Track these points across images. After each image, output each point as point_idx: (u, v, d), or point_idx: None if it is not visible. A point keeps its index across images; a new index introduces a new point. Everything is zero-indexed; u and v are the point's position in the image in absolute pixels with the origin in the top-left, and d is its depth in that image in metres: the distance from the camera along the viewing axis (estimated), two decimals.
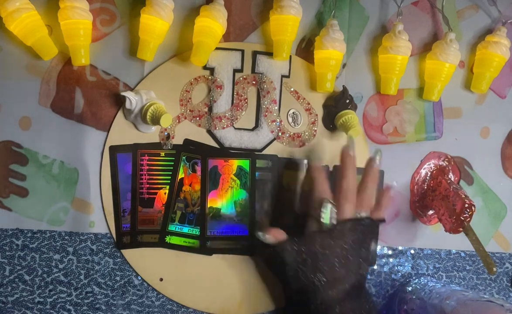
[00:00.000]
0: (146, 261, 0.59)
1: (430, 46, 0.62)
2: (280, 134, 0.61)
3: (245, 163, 0.60)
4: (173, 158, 0.60)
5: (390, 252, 0.63)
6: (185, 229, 0.60)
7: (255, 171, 0.60)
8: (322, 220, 0.53)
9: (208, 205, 0.60)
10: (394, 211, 0.63)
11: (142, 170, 0.59)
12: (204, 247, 0.60)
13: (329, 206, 0.53)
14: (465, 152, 0.64)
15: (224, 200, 0.60)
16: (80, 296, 0.59)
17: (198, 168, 0.60)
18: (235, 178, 0.60)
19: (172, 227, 0.60)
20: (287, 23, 0.57)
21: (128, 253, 0.59)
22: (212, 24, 0.56)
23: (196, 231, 0.60)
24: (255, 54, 0.61)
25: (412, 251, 0.64)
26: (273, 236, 0.54)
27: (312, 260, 0.52)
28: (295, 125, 0.61)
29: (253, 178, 0.60)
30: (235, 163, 0.60)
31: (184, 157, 0.60)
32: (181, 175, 0.60)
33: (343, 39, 0.58)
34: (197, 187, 0.60)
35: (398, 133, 0.63)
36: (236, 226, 0.60)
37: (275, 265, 0.56)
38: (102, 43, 0.59)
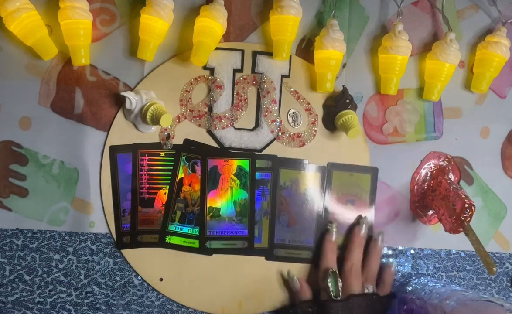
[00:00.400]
0: (146, 261, 0.59)
1: (430, 46, 0.62)
2: (280, 134, 0.61)
3: (245, 163, 0.60)
4: (173, 158, 0.60)
5: (390, 252, 0.63)
6: (185, 229, 0.60)
7: (255, 171, 0.60)
8: (329, 289, 0.56)
9: (208, 205, 0.60)
10: (394, 211, 0.63)
11: (142, 170, 0.59)
12: (203, 247, 0.60)
13: (333, 275, 0.56)
14: (465, 152, 0.64)
15: (224, 200, 0.60)
16: (80, 296, 0.59)
17: (198, 168, 0.60)
18: (234, 178, 0.60)
19: (172, 227, 0.60)
20: (287, 23, 0.57)
21: (128, 253, 0.59)
22: (212, 24, 0.56)
23: (196, 231, 0.60)
24: (255, 54, 0.61)
25: (412, 251, 0.64)
26: (301, 285, 0.59)
27: None
28: (295, 125, 0.61)
29: (253, 178, 0.60)
30: (235, 163, 0.60)
31: (184, 157, 0.60)
32: (180, 175, 0.60)
33: (343, 39, 0.58)
34: (197, 187, 0.60)
35: (398, 133, 0.63)
36: (235, 226, 0.60)
37: None
38: (102, 43, 0.59)
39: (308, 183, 0.61)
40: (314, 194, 0.61)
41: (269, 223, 0.61)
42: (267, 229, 0.61)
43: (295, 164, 0.61)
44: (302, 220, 0.61)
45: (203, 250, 0.60)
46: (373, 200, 0.63)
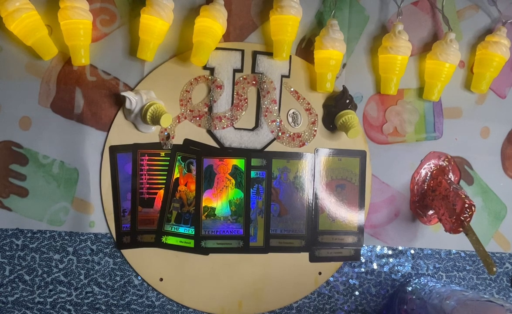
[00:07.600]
0: (146, 261, 0.59)
1: (430, 46, 0.62)
2: (280, 134, 0.61)
3: (240, 162, 0.60)
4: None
5: (390, 252, 0.63)
6: (181, 229, 0.60)
7: (250, 170, 0.60)
8: None
9: (203, 205, 0.60)
10: (394, 211, 0.63)
11: (142, 170, 0.59)
12: (198, 246, 0.60)
13: None
14: (465, 152, 0.64)
15: (219, 200, 0.60)
16: (80, 296, 0.59)
17: (194, 168, 0.60)
18: (230, 177, 0.60)
19: (168, 227, 0.60)
20: (287, 23, 0.57)
21: (128, 253, 0.59)
22: (212, 24, 0.56)
23: (191, 231, 0.60)
24: (255, 54, 0.61)
25: (412, 251, 0.64)
26: None
27: None
28: (295, 125, 0.61)
29: (248, 176, 0.60)
30: (230, 162, 0.60)
31: (179, 157, 0.60)
32: (176, 175, 0.60)
33: (343, 39, 0.58)
34: (193, 187, 0.60)
35: (398, 133, 0.63)
36: (231, 226, 0.60)
37: None
38: (102, 43, 0.59)
39: (297, 171, 0.61)
40: (303, 182, 0.61)
41: (265, 222, 0.61)
42: (262, 228, 0.61)
43: (284, 154, 0.61)
44: (292, 209, 0.61)
45: (198, 249, 0.60)
46: (363, 184, 0.62)
